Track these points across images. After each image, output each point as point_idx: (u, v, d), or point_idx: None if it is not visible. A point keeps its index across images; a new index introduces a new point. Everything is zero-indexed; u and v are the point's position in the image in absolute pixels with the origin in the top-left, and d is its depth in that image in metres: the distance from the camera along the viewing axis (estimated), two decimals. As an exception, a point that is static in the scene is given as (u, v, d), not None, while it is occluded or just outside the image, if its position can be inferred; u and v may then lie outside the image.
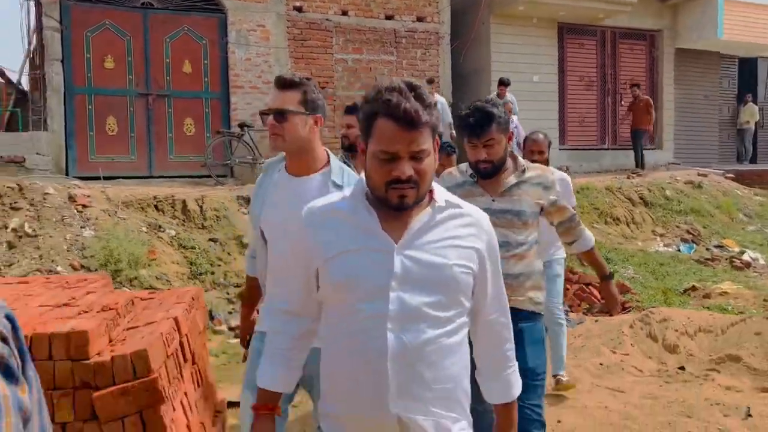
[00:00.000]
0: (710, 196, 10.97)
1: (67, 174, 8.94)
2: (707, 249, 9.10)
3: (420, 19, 10.96)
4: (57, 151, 8.97)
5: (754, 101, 14.71)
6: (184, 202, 7.68)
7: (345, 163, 3.29)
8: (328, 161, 2.35)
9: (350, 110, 3.99)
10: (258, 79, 9.97)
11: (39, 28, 8.99)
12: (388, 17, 10.76)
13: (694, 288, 7.07)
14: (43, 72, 9.01)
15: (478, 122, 2.60)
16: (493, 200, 2.62)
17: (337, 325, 1.58)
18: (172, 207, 7.66)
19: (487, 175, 2.65)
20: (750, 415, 3.26)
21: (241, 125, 9.59)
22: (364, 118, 1.54)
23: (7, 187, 6.82)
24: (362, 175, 1.68)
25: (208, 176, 9.31)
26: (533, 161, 3.65)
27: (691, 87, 13.78)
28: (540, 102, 11.93)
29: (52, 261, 6.08)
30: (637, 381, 4.03)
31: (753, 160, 14.90)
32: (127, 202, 7.38)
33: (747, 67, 14.95)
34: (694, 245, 9.17)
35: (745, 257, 8.59)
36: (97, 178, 8.63)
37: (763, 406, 3.39)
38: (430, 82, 9.84)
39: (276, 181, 2.38)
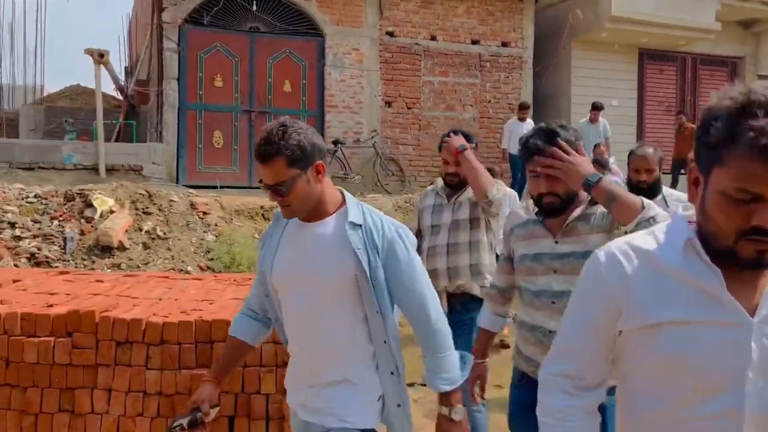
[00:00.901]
0: None
1: (177, 182, 9.79)
2: None
3: (504, 44, 11.43)
4: (170, 160, 9.84)
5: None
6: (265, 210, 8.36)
7: (446, 196, 3.34)
8: (344, 201, 2.05)
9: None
10: (351, 99, 10.64)
11: (159, 49, 9.90)
12: (474, 42, 11.27)
13: None
14: (161, 89, 9.91)
15: (535, 145, 2.16)
16: (556, 242, 2.18)
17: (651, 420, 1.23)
18: (276, 216, 8.34)
19: (552, 212, 2.20)
20: None
21: (335, 142, 10.26)
22: (713, 141, 1.12)
23: (139, 193, 7.63)
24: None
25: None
26: (640, 182, 3.39)
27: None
28: (619, 126, 12.17)
29: (182, 261, 6.82)
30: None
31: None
32: (238, 210, 8.10)
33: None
34: None
35: None
36: (204, 187, 9.43)
37: None
38: (525, 108, 10.13)
39: (287, 230, 2.09)
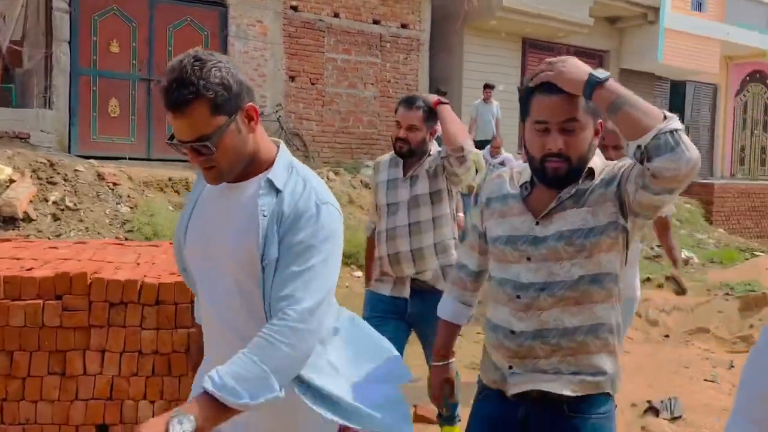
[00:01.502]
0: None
1: (69, 151, 9.23)
2: (651, 248, 10.47)
3: (404, 26, 11.83)
4: (61, 129, 9.25)
5: (681, 120, 16.44)
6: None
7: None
8: (275, 159, 1.63)
9: (409, 103, 3.09)
10: (254, 71, 10.53)
11: (49, 8, 9.22)
12: (375, 22, 11.56)
13: (648, 279, 8.32)
14: (49, 51, 9.25)
15: (547, 85, 1.69)
16: (536, 223, 1.76)
17: None
18: (186, 188, 8.20)
19: (555, 182, 1.73)
20: (732, 366, 4.36)
21: (239, 115, 10.14)
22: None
23: (40, 162, 7.19)
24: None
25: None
26: (608, 159, 2.82)
27: (631, 103, 15.33)
28: (504, 110, 13.04)
29: (98, 233, 6.57)
30: (633, 344, 5.10)
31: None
32: (147, 182, 7.87)
33: (677, 89, 16.70)
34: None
35: (683, 255, 10.02)
36: (100, 158, 8.97)
37: (738, 360, 4.51)
38: (491, 87, 10.69)
39: (204, 193, 1.71)
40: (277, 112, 10.51)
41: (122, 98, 9.75)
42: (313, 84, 11.10)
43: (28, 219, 6.50)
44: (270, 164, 1.61)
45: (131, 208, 7.09)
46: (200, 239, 1.64)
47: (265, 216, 1.52)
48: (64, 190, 6.93)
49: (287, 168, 1.60)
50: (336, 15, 11.18)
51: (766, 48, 16.75)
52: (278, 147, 1.65)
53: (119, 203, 7.10)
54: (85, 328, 3.04)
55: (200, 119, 1.46)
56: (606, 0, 13.56)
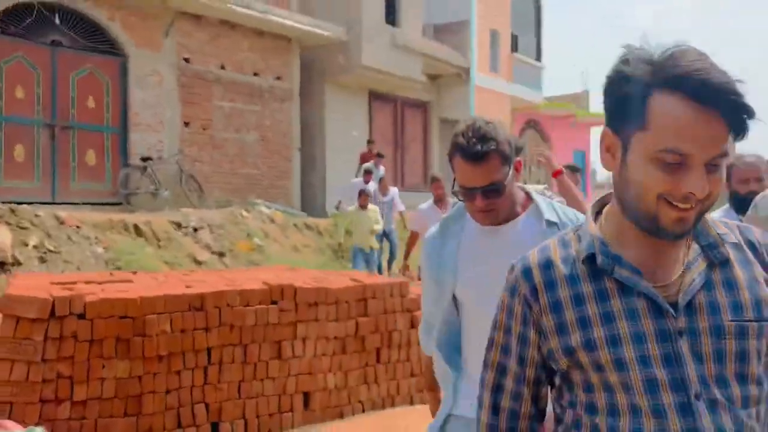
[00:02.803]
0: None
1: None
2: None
3: (278, 78, 13.27)
4: (-32, 174, 9.10)
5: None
6: (135, 225, 8.87)
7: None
8: (529, 198, 1.92)
9: None
10: (153, 118, 11.19)
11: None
12: (255, 74, 12.85)
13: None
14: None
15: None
16: None
17: None
18: (119, 230, 8.78)
19: None
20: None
21: (144, 159, 10.74)
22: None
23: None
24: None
25: (108, 203, 10.27)
26: (750, 192, 2.97)
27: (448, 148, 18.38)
28: (355, 152, 15.09)
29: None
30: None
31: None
32: (96, 225, 8.33)
33: (478, 133, 20.24)
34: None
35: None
36: (6, 202, 9.00)
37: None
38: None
39: (466, 236, 1.93)
40: (176, 156, 11.25)
41: (27, 143, 9.81)
42: (204, 130, 12.02)
43: (17, 263, 6.79)
44: (522, 205, 1.89)
45: (104, 248, 7.62)
46: (479, 280, 1.81)
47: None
48: (38, 236, 7.25)
49: (549, 204, 1.89)
50: (222, 67, 12.27)
51: (540, 102, 21.18)
52: (524, 190, 1.94)
53: (90, 244, 7.58)
54: (293, 323, 4.28)
55: (494, 168, 1.74)
56: (430, 61, 16.37)
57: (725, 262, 1.07)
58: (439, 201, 6.41)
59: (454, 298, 1.90)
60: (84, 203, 10.15)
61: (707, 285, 1.04)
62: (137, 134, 11.02)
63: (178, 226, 9.43)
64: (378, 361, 4.61)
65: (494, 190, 1.76)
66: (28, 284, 4.00)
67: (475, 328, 1.80)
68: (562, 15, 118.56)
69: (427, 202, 6.61)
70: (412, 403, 4.70)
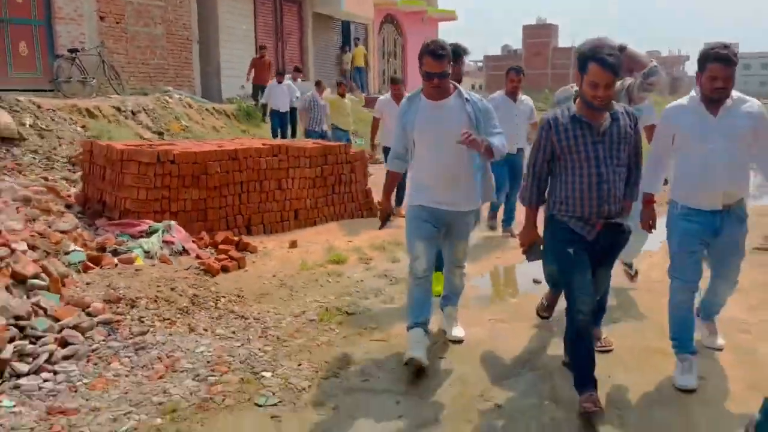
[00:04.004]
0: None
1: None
2: None
3: (177, -24, 14.68)
4: None
5: (348, 48, 22.45)
6: (87, 109, 10.68)
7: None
8: (454, 87, 3.61)
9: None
10: (74, 12, 12.46)
11: None
12: (157, -28, 14.19)
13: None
14: None
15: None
16: None
17: None
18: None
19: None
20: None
21: (72, 50, 12.15)
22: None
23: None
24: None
25: (42, 90, 11.76)
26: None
27: (321, 40, 20.64)
28: (245, 44, 17.01)
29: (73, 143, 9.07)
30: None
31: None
32: (58, 108, 10.09)
33: (345, 27, 22.55)
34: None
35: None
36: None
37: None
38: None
39: (422, 106, 3.57)
40: (98, 47, 12.71)
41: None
42: (117, 23, 13.42)
43: (21, 138, 8.62)
44: (452, 91, 3.62)
45: (82, 126, 9.52)
46: (433, 128, 3.54)
47: (470, 111, 3.57)
48: (29, 117, 8.99)
49: (464, 90, 3.67)
50: (131, -32, 13.53)
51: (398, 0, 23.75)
52: (453, 84, 3.65)
53: (69, 124, 9.45)
54: (285, 168, 7.00)
55: (445, 64, 3.43)
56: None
57: (617, 118, 3.11)
58: (397, 97, 7.84)
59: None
60: (23, 90, 11.51)
61: (611, 126, 3.09)
62: (61, 26, 12.31)
63: (119, 110, 11.33)
64: (333, 192, 7.52)
65: (443, 75, 3.46)
66: (126, 144, 6.36)
67: (421, 154, 3.62)
68: None
69: (386, 96, 8.44)
70: (353, 217, 7.71)
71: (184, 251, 5.56)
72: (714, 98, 3.18)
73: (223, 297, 4.63)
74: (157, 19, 14.33)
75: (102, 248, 5.28)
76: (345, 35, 22.57)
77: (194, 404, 3.11)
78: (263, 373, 3.45)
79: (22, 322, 3.52)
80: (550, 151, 3.16)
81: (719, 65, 3.12)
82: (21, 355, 3.35)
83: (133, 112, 11.52)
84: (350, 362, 3.66)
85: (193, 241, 5.77)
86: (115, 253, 5.23)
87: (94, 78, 12.52)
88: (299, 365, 3.58)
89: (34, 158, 8.34)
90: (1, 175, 7.28)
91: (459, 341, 3.92)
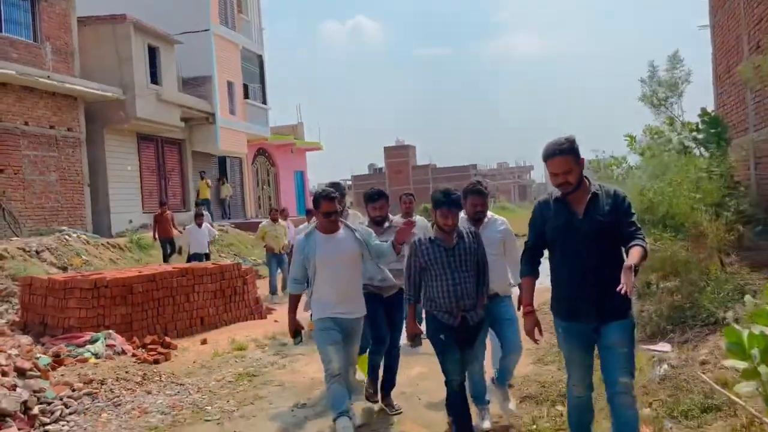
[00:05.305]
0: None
1: None
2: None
3: (69, 129, 16.61)
4: None
5: (226, 179, 24.82)
6: (-2, 252, 12.09)
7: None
8: (340, 222, 4.55)
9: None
10: (-24, 167, 13.94)
11: None
12: (51, 127, 16.07)
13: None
14: None
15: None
16: None
17: None
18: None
19: None
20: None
21: (-24, 201, 13.54)
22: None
23: None
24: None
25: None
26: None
27: (202, 173, 22.92)
28: (131, 183, 18.92)
29: None
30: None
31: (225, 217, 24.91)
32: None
33: (222, 161, 25.03)
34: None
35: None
36: None
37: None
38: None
39: (319, 240, 4.38)
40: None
41: None
42: (15, 173, 14.99)
43: (-51, 281, 9.95)
44: (340, 225, 4.60)
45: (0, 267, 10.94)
46: (331, 257, 4.37)
47: (359, 239, 4.48)
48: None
49: (349, 224, 4.70)
50: (26, 123, 15.33)
51: (268, 135, 26.80)
52: (339, 219, 4.74)
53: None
54: (191, 284, 9.04)
55: (336, 204, 4.56)
56: (185, 109, 20.80)
57: (462, 237, 4.08)
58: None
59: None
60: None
61: (458, 243, 4.06)
62: (-34, 182, 13.72)
63: (24, 251, 12.78)
64: (230, 300, 9.58)
65: (336, 213, 4.46)
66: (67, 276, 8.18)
67: (321, 276, 4.41)
68: (281, 63, 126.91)
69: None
70: (247, 320, 9.75)
71: (123, 352, 7.38)
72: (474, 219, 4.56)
73: (163, 375, 6.54)
74: (52, 168, 16.04)
75: (57, 355, 7.00)
76: (222, 169, 25.00)
77: (167, 424, 5.06)
78: (206, 407, 5.46)
79: (38, 394, 5.32)
80: (419, 264, 4.12)
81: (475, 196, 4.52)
82: (43, 412, 5.15)
83: (36, 251, 12.98)
84: (259, 396, 5.74)
85: (128, 344, 7.59)
86: (69, 356, 6.97)
87: (-6, 223, 13.91)
88: (228, 401, 5.62)
89: (-39, 298, 9.72)
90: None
91: None
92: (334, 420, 4.17)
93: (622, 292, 2.97)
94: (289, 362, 7.03)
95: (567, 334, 3.38)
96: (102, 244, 15.25)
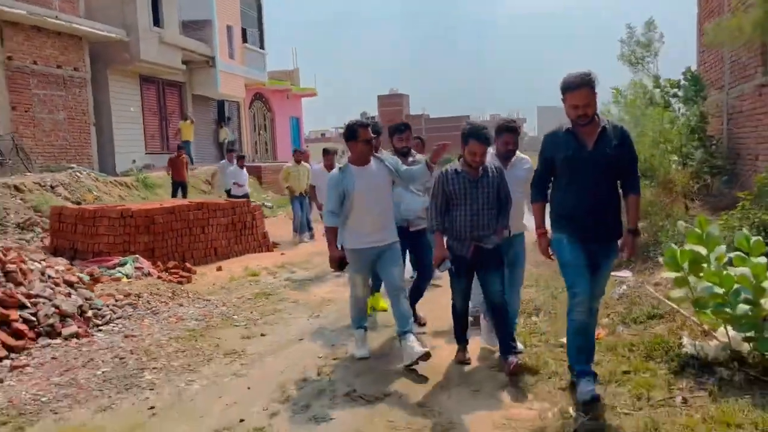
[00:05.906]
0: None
1: None
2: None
3: (76, 69, 17.07)
4: None
5: (224, 126, 25.38)
6: (15, 186, 12.80)
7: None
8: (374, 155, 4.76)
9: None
10: (-10, 104, 14.49)
11: None
12: (59, 66, 16.53)
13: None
14: None
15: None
16: None
17: None
18: None
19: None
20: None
21: (-9, 136, 14.14)
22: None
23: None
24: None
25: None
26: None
27: (199, 117, 23.43)
28: (134, 125, 19.47)
29: None
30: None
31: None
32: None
33: (221, 105, 25.49)
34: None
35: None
36: None
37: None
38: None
39: (352, 173, 4.60)
40: (12, 134, 14.78)
41: None
42: (26, 112, 15.55)
43: (-23, 210, 10.70)
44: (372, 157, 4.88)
45: (21, 200, 11.67)
46: (368, 188, 4.62)
47: (389, 165, 4.78)
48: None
49: (381, 156, 4.92)
50: (35, 62, 15.80)
51: (265, 80, 27.20)
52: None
53: (11, 197, 11.56)
54: (206, 218, 9.86)
55: (371, 136, 5.35)
56: (186, 52, 21.18)
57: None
58: (328, 167, 9.97)
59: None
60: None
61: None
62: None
63: (40, 185, 13.50)
64: (241, 234, 10.42)
65: (372, 144, 4.73)
66: (95, 208, 8.98)
67: (359, 207, 4.62)
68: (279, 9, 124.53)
69: (318, 165, 10.81)
70: (256, 251, 10.62)
71: (149, 274, 8.24)
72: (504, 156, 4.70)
73: (189, 293, 7.42)
74: (60, 107, 16.58)
75: (91, 275, 7.85)
76: (220, 113, 25.48)
77: (203, 328, 5.96)
78: (233, 317, 6.36)
79: (88, 301, 6.18)
80: (446, 192, 4.28)
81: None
82: (95, 316, 6.02)
83: (51, 186, 13.71)
84: (277, 309, 6.66)
85: (153, 268, 8.46)
86: (103, 275, 7.83)
87: (9, 159, 14.56)
88: (251, 313, 6.52)
89: (-11, 226, 10.51)
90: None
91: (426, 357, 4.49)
92: (356, 329, 4.95)
93: (626, 257, 3.67)
94: (300, 285, 7.94)
95: (572, 245, 3.64)
96: (110, 182, 15.97)
